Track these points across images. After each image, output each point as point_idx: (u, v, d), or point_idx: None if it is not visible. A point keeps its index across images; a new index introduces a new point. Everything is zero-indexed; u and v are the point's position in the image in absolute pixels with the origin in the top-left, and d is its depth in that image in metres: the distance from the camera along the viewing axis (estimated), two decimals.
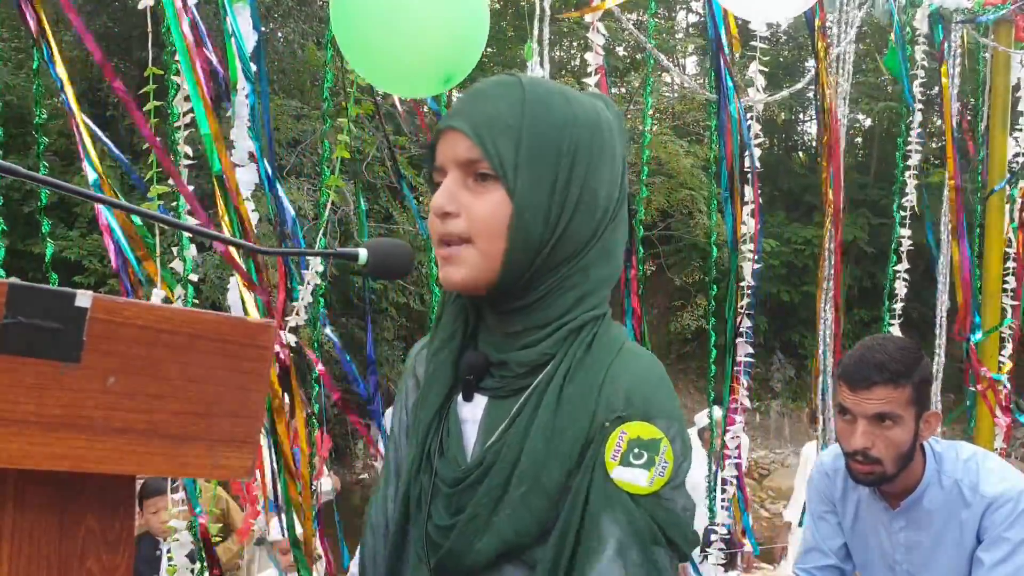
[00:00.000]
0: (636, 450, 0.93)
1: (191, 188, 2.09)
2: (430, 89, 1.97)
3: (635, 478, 0.92)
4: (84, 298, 0.69)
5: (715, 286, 3.02)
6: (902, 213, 3.44)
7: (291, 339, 2.19)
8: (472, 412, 1.02)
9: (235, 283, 2.10)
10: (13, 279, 0.68)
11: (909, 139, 3.43)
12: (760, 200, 2.94)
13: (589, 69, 2.57)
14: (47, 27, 1.98)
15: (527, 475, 0.94)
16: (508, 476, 0.95)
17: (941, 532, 1.84)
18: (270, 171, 2.15)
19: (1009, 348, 3.65)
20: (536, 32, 2.48)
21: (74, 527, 0.73)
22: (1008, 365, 3.64)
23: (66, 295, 0.69)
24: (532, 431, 0.95)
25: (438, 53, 1.82)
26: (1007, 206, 3.70)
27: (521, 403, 0.97)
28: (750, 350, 2.92)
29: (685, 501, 0.96)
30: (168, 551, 2.20)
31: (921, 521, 1.85)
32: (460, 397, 1.03)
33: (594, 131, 0.99)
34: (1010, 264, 3.66)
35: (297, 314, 2.20)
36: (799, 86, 3.53)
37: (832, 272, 3.31)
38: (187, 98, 2.08)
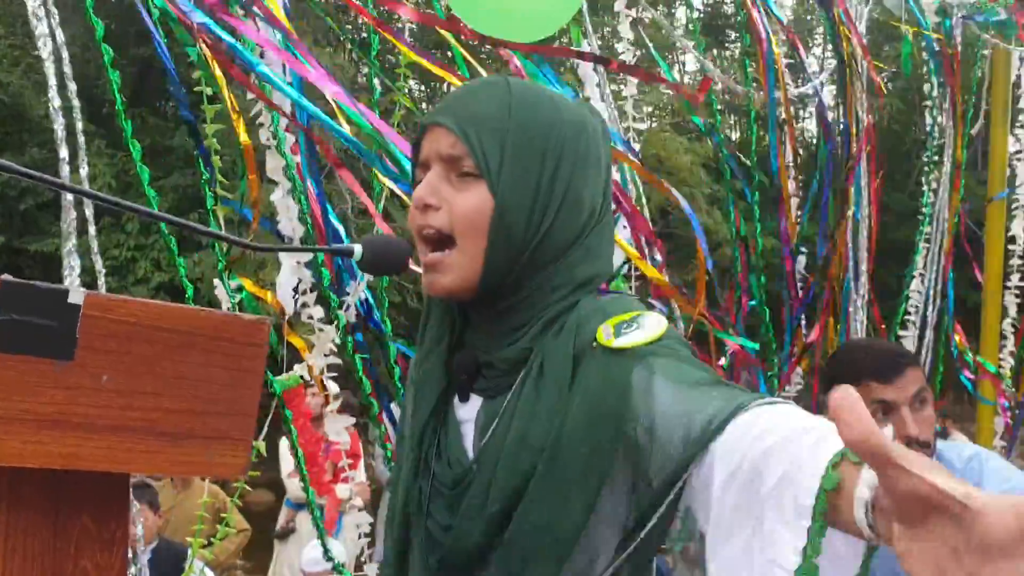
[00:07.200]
0: (623, 326, 0.93)
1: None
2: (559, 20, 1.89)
3: (633, 337, 0.92)
4: (77, 295, 0.69)
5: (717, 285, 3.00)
6: (921, 211, 3.44)
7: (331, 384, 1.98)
8: (470, 412, 1.02)
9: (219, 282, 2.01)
10: (6, 276, 0.68)
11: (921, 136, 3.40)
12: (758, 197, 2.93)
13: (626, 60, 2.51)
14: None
15: (506, 465, 0.93)
16: (494, 472, 0.95)
17: None
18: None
19: (1011, 344, 3.63)
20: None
21: (68, 526, 0.73)
22: (1007, 371, 3.61)
23: (59, 292, 0.68)
24: (513, 425, 0.95)
25: None
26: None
27: (508, 401, 0.97)
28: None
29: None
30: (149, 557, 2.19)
31: None
32: (457, 399, 1.03)
33: (580, 134, 0.99)
34: (1014, 262, 3.64)
35: (333, 343, 1.98)
36: (821, 78, 3.48)
37: (858, 268, 3.28)
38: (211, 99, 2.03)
